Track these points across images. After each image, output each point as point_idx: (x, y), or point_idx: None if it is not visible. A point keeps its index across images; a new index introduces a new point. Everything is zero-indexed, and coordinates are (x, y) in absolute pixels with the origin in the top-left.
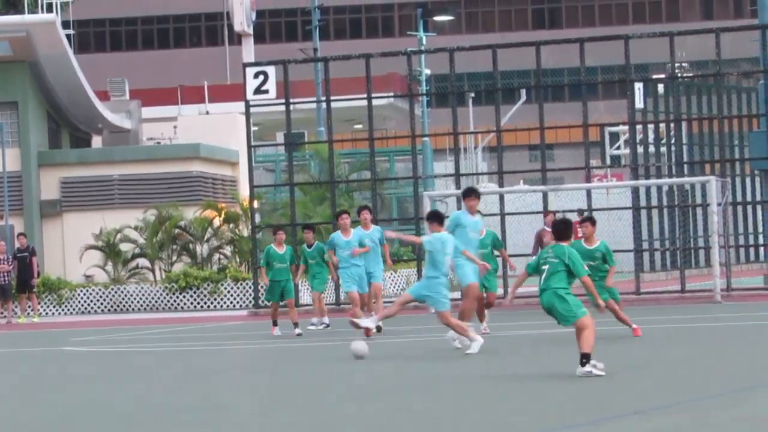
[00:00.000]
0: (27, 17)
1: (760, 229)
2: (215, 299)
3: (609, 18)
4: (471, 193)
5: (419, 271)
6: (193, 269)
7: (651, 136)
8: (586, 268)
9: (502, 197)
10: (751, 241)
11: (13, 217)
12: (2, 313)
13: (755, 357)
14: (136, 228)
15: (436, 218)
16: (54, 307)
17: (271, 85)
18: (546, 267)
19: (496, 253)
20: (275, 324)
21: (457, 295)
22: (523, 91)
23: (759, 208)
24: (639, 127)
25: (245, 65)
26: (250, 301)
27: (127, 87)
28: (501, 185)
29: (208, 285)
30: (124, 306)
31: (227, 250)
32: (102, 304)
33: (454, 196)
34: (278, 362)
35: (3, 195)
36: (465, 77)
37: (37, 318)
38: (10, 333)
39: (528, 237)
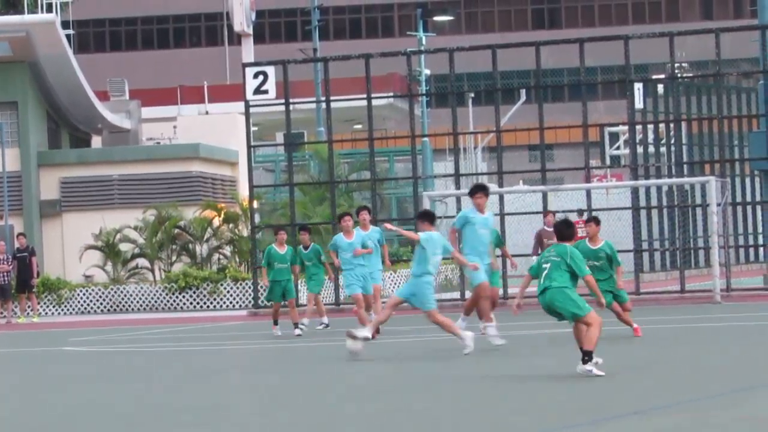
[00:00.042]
0: (27, 17)
1: (760, 229)
2: (215, 299)
3: (609, 18)
4: (479, 190)
5: None
6: (192, 269)
7: (651, 137)
8: (587, 269)
9: (501, 197)
10: (751, 242)
11: (12, 217)
12: (2, 313)
13: (755, 357)
14: (135, 228)
15: (427, 217)
16: (53, 307)
17: (270, 86)
18: (548, 266)
19: (498, 252)
20: (276, 323)
21: (455, 294)
22: (523, 92)
23: (759, 208)
24: (639, 127)
25: (245, 65)
26: (250, 301)
27: (127, 87)
28: (501, 185)
29: (208, 285)
30: (123, 306)
31: (227, 250)
32: (101, 304)
33: (453, 197)
34: (278, 362)
35: (3, 195)
36: (465, 77)
37: (36, 318)
38: (10, 333)
39: (528, 237)
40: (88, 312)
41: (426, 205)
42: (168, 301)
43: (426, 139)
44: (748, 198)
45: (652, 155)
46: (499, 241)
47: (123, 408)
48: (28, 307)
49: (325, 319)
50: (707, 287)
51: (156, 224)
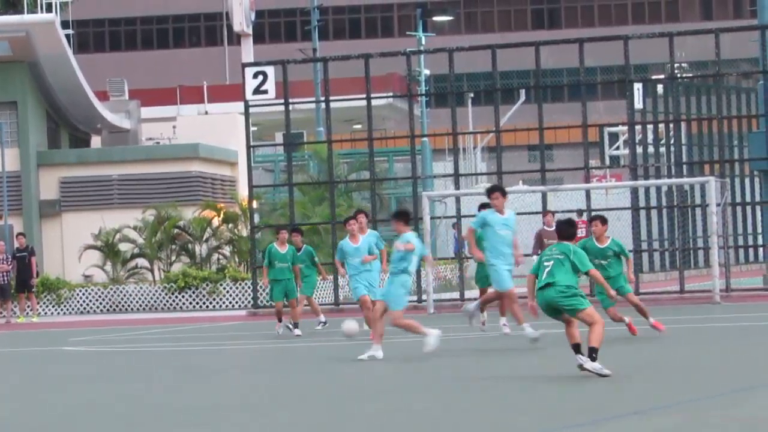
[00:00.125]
0: (26, 17)
1: (759, 229)
2: (214, 299)
3: (608, 18)
4: (495, 190)
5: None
6: (192, 269)
7: (650, 137)
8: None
9: None
10: (751, 242)
11: (12, 217)
12: (1, 313)
13: (755, 357)
14: (135, 228)
15: (403, 217)
16: (53, 306)
17: (270, 86)
18: (550, 263)
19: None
20: (280, 320)
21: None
22: (523, 92)
23: (758, 208)
24: (638, 127)
25: (244, 65)
26: (249, 301)
27: (126, 87)
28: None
29: (207, 285)
30: (123, 306)
31: (226, 250)
32: (101, 304)
33: (453, 197)
34: (278, 362)
35: (2, 195)
36: (464, 77)
37: (36, 318)
38: (10, 333)
39: (527, 237)
40: (88, 312)
41: (425, 205)
42: (167, 301)
43: (425, 139)
44: (748, 198)
45: (652, 155)
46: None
47: (123, 408)
48: (28, 306)
49: (322, 317)
50: (707, 287)
51: (155, 224)
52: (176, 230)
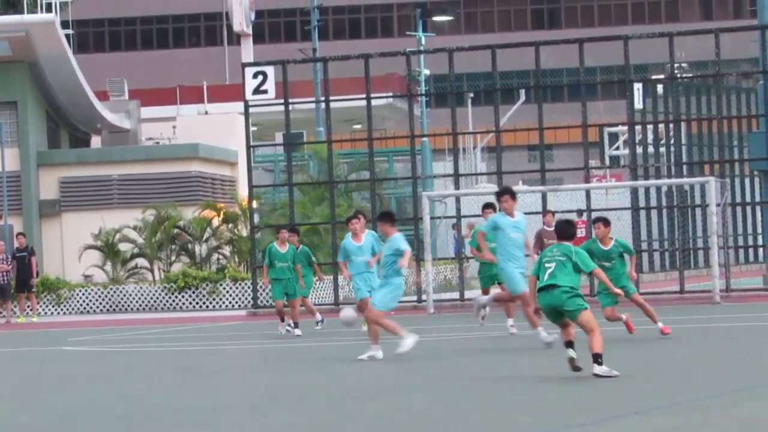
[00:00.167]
0: (26, 17)
1: (759, 229)
2: (214, 299)
3: (608, 18)
4: (504, 193)
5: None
6: (192, 269)
7: (650, 137)
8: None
9: None
10: (751, 242)
11: (12, 216)
12: (1, 312)
13: (755, 357)
14: (135, 228)
15: (389, 218)
16: (53, 306)
17: (270, 86)
18: (552, 265)
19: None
20: (282, 320)
21: (455, 294)
22: (522, 92)
23: (758, 208)
24: (638, 127)
25: (244, 65)
26: (249, 301)
27: (126, 87)
28: (500, 186)
29: (207, 285)
30: (122, 306)
31: (226, 250)
32: (101, 303)
33: (453, 197)
34: (278, 362)
35: (2, 195)
36: (464, 77)
37: (36, 318)
38: (10, 333)
39: (527, 237)
40: (88, 312)
41: (425, 205)
42: (167, 301)
43: (425, 139)
44: (748, 198)
45: (652, 155)
46: None
47: (123, 408)
48: (28, 306)
49: (319, 316)
50: (707, 288)
51: (155, 224)
52: (176, 230)
